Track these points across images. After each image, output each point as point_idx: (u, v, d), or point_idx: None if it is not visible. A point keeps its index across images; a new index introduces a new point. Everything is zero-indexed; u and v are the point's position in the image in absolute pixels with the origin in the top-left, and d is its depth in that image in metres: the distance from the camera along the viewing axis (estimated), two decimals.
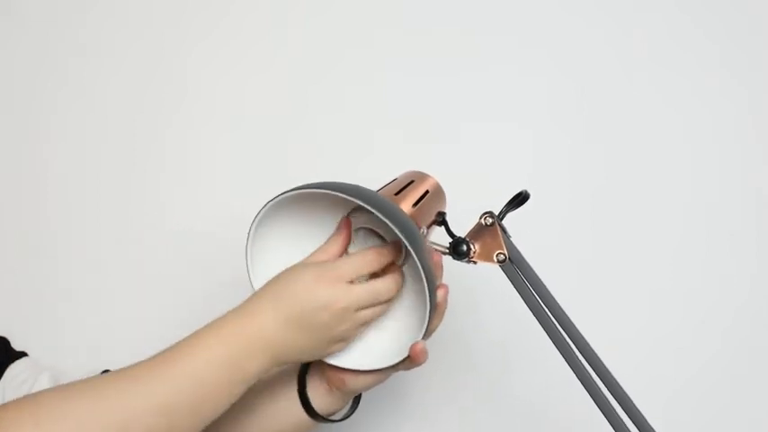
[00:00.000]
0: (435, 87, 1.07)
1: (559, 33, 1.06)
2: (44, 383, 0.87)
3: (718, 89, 1.03)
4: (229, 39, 1.12)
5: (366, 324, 0.75)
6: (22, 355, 1.01)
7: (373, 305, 0.73)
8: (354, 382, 0.77)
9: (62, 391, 0.65)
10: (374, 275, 0.75)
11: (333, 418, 0.81)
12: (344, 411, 0.82)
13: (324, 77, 1.09)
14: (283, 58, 1.10)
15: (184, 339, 0.69)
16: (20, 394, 0.81)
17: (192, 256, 1.10)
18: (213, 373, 0.67)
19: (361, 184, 0.74)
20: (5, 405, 0.62)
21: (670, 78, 1.04)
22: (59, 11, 1.14)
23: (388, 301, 0.75)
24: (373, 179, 0.81)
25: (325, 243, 0.76)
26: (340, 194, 0.70)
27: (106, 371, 0.85)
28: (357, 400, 0.83)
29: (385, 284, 0.74)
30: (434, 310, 0.72)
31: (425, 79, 1.07)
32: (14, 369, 0.96)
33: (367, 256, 0.74)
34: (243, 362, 0.68)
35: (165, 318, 1.10)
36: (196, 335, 0.69)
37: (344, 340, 0.74)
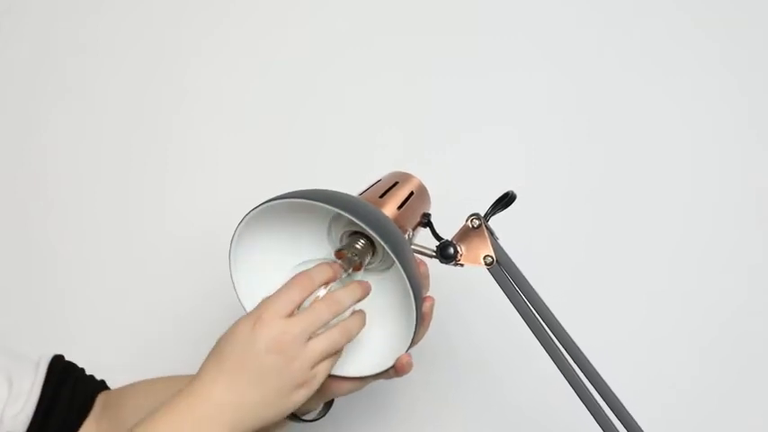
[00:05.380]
0: (435, 88, 1.07)
1: (559, 34, 1.06)
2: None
3: (718, 89, 1.03)
4: (229, 39, 1.12)
5: (327, 357, 0.69)
6: None
7: (318, 326, 0.68)
8: (335, 388, 0.76)
9: None
10: None
11: (305, 417, 0.80)
12: (317, 412, 0.82)
13: (324, 77, 1.09)
14: (283, 58, 1.10)
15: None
16: None
17: (192, 256, 1.10)
18: None
19: (356, 184, 0.73)
20: None
21: (670, 78, 1.04)
22: (59, 11, 1.14)
23: (347, 333, 0.70)
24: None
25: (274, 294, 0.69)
26: (320, 204, 0.68)
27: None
28: (330, 402, 0.81)
29: (325, 303, 0.68)
30: (420, 323, 0.71)
31: (425, 79, 1.07)
32: None
33: (291, 286, 0.69)
34: None
35: (164, 318, 1.10)
36: (153, 426, 0.66)
37: (305, 384, 0.68)
